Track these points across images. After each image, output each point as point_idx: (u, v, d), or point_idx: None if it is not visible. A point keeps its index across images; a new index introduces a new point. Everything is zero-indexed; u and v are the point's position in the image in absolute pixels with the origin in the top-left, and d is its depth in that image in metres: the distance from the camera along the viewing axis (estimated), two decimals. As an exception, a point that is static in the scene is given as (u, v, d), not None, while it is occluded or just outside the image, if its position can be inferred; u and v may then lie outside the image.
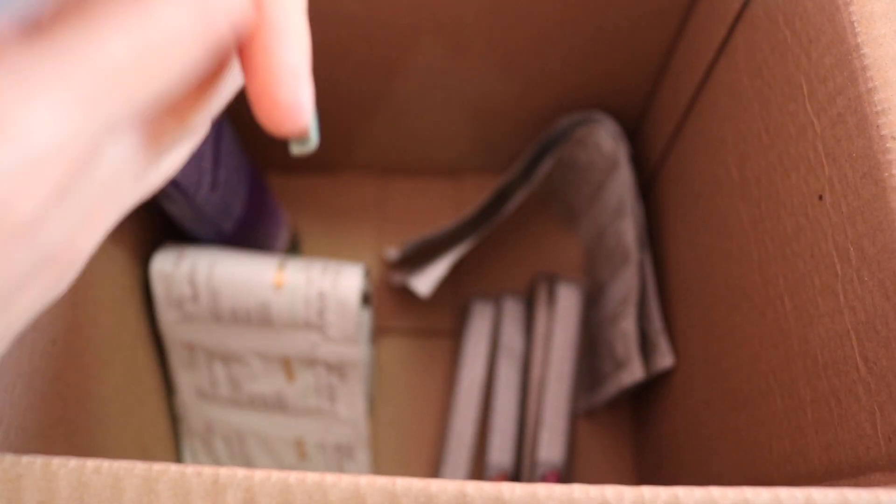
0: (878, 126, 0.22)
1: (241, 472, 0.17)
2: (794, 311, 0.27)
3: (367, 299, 0.40)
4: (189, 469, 0.17)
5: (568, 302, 0.44)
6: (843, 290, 0.24)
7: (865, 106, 0.23)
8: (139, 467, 0.17)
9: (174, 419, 0.41)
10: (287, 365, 0.38)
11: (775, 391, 0.28)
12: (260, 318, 0.36)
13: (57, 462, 0.16)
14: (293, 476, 0.17)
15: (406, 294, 0.47)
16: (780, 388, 0.27)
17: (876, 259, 0.22)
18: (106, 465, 0.17)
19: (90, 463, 0.16)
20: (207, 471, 0.17)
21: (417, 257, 0.45)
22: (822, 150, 0.25)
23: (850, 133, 0.23)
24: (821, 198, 0.25)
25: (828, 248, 0.25)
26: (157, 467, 0.17)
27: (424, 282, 0.41)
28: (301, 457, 0.41)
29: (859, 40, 0.23)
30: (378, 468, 0.43)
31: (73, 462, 0.16)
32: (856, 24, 0.23)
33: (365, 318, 0.41)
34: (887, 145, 0.22)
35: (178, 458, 0.41)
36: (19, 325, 0.15)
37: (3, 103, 0.12)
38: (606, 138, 0.41)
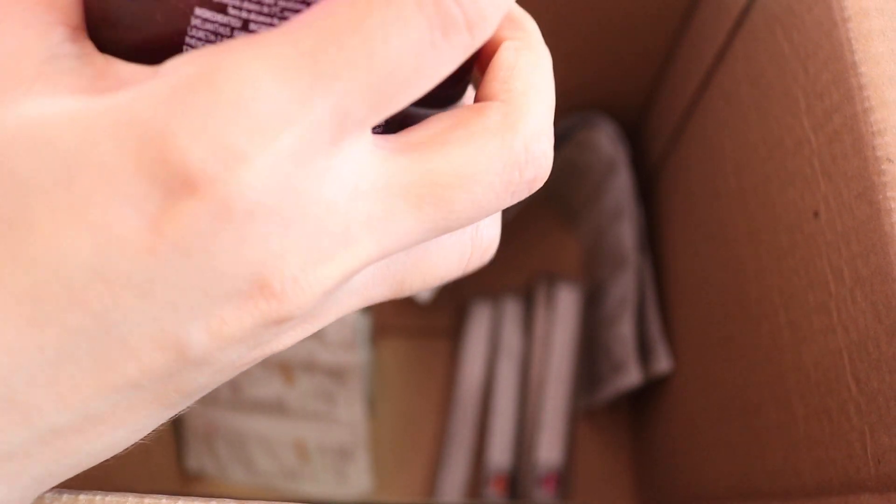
0: (873, 147, 0.22)
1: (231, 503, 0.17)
2: (788, 326, 0.27)
3: (366, 302, 0.40)
4: (181, 501, 0.17)
5: (567, 302, 0.44)
6: (837, 308, 0.24)
7: (861, 125, 0.22)
8: (131, 500, 0.17)
9: (176, 421, 0.42)
10: (286, 370, 0.38)
11: (769, 404, 0.28)
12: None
13: (49, 497, 0.17)
14: (283, 508, 0.17)
15: (406, 294, 0.47)
16: (774, 402, 0.27)
17: (869, 280, 0.22)
18: (98, 497, 0.17)
19: (83, 497, 0.17)
20: (199, 502, 0.17)
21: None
22: (818, 166, 0.25)
23: (845, 152, 0.23)
24: (816, 214, 0.25)
25: (822, 266, 0.24)
26: (149, 500, 0.17)
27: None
28: (302, 459, 0.41)
29: (856, 58, 0.23)
30: (378, 469, 0.44)
31: (65, 496, 0.17)
32: (853, 42, 0.23)
33: (363, 322, 0.41)
34: (882, 167, 0.22)
35: (180, 460, 0.42)
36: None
37: None
38: (605, 141, 0.41)
